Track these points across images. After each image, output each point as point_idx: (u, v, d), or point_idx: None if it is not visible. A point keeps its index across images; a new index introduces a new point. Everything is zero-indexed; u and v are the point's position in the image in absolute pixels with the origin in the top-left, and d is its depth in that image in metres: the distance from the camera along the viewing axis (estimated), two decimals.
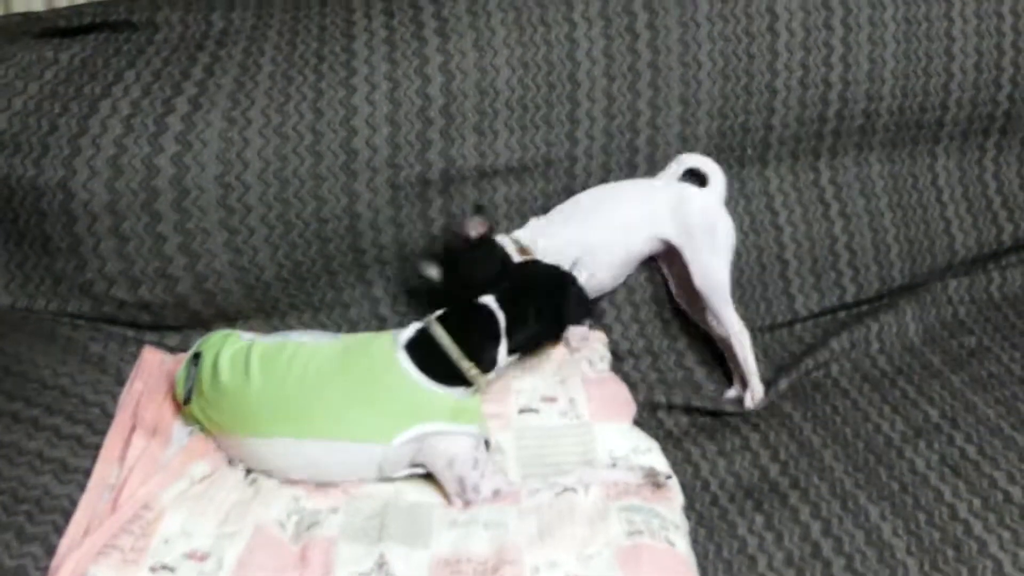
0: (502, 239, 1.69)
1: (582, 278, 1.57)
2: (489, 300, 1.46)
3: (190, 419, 1.46)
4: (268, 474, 1.39)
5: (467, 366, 1.39)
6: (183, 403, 1.46)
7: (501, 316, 1.44)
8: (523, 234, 1.72)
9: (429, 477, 1.42)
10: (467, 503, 1.37)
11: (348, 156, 1.66)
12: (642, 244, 1.77)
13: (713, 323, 1.80)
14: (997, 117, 2.04)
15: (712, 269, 1.73)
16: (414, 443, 1.36)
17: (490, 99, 1.73)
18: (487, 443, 1.42)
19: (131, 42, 1.71)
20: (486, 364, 1.42)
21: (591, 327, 1.76)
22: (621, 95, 1.82)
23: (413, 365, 1.37)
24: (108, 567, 1.15)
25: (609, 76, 1.81)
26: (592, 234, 1.72)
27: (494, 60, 1.73)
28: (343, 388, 1.36)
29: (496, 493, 1.37)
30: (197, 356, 1.47)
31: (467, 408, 1.40)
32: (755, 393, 1.73)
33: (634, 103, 1.83)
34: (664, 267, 1.86)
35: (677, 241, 1.75)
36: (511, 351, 1.45)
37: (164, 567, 1.17)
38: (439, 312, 1.46)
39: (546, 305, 1.48)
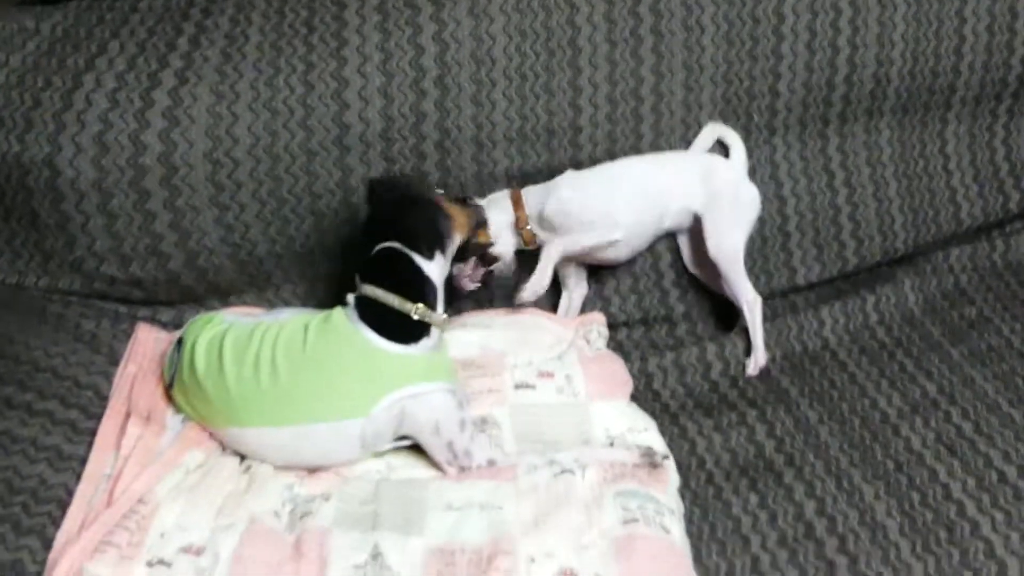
0: (498, 196, 1.69)
1: (578, 247, 1.61)
2: (382, 245, 1.43)
3: (174, 400, 1.46)
4: (254, 457, 1.39)
5: (411, 308, 1.37)
6: (167, 387, 1.45)
7: (397, 245, 1.41)
8: (532, 200, 1.69)
9: (417, 458, 1.42)
10: (461, 470, 1.37)
11: (341, 130, 1.63)
12: (672, 218, 1.75)
13: (727, 290, 1.79)
14: (1010, 82, 1.99)
15: (728, 239, 1.73)
16: (394, 413, 1.35)
17: (487, 68, 1.69)
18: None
19: (114, 10, 1.66)
20: (429, 297, 1.40)
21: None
22: (624, 61, 1.77)
23: (373, 332, 1.36)
24: (104, 564, 1.15)
25: (611, 41, 1.76)
26: (623, 205, 1.70)
27: (490, 28, 1.68)
28: (312, 371, 1.35)
29: (491, 463, 1.38)
30: (180, 342, 1.46)
31: (438, 364, 1.40)
32: (758, 361, 1.74)
33: (637, 69, 1.78)
34: (680, 235, 1.83)
35: (703, 211, 1.73)
36: (429, 256, 1.43)
37: (161, 562, 1.17)
38: (359, 275, 1.43)
39: (411, 204, 1.47)
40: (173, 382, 1.43)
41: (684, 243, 1.83)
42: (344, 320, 1.38)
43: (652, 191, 1.73)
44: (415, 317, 1.38)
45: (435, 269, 1.43)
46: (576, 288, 1.77)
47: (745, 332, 1.77)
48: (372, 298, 1.38)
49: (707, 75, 1.82)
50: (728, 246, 1.73)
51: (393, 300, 1.37)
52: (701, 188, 1.74)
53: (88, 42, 1.61)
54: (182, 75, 1.58)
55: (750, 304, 1.74)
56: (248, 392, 1.35)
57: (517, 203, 1.68)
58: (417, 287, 1.40)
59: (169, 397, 1.46)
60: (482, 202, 1.68)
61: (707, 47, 1.81)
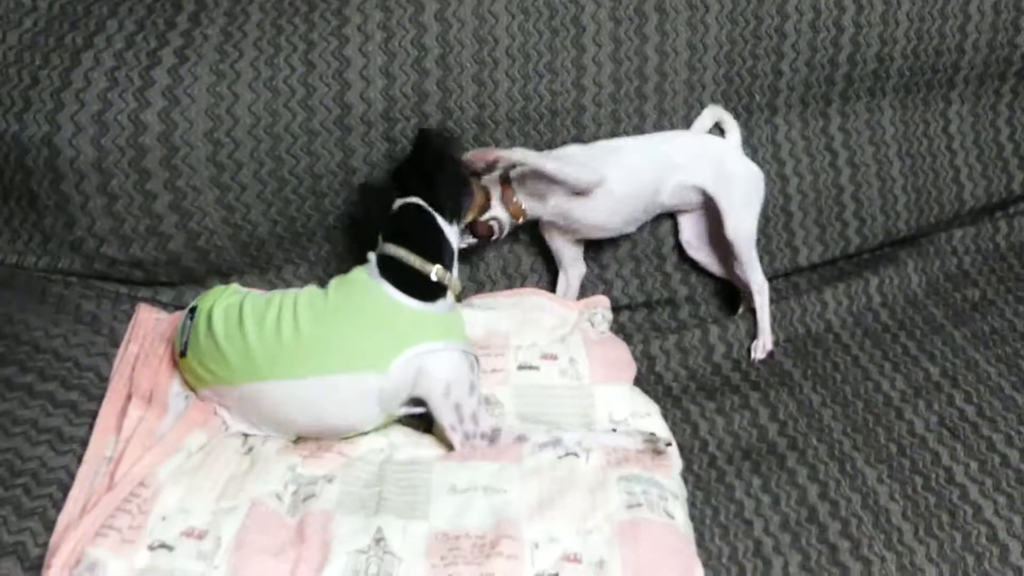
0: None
1: (562, 173, 1.60)
2: (405, 199, 1.47)
3: (188, 375, 1.45)
4: (268, 425, 1.39)
5: (431, 269, 1.41)
6: (180, 356, 1.44)
7: (422, 201, 1.46)
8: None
9: (422, 436, 1.43)
10: (466, 436, 1.37)
11: (342, 110, 1.61)
12: (672, 193, 1.73)
13: (738, 272, 1.78)
14: (1015, 60, 1.97)
15: (745, 221, 1.73)
16: (411, 370, 1.35)
17: (489, 47, 1.67)
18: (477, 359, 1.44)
19: None
20: (447, 260, 1.45)
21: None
22: (628, 39, 1.75)
23: (394, 288, 1.39)
24: (106, 547, 1.14)
25: (615, 19, 1.73)
26: (615, 168, 1.66)
27: (493, 6, 1.66)
28: (335, 324, 1.37)
29: (496, 431, 1.38)
30: (194, 309, 1.46)
31: (454, 324, 1.44)
32: (765, 345, 1.74)
33: (641, 48, 1.76)
34: (681, 217, 1.82)
35: (714, 191, 1.72)
36: (450, 221, 1.49)
37: (162, 545, 1.17)
38: (383, 233, 1.46)
39: (449, 166, 1.52)
40: (186, 350, 1.42)
41: (686, 226, 1.82)
42: (365, 276, 1.41)
43: (648, 159, 1.71)
44: (433, 278, 1.41)
45: (453, 235, 1.49)
46: (572, 267, 1.76)
47: (748, 315, 1.77)
48: (393, 257, 1.41)
49: (711, 55, 1.80)
50: (745, 229, 1.73)
51: (415, 260, 1.41)
52: (708, 167, 1.73)
53: (86, 19, 1.59)
54: (182, 54, 1.56)
55: (760, 287, 1.73)
56: (269, 345, 1.35)
57: (505, 180, 1.67)
58: (437, 249, 1.45)
59: (172, 375, 1.45)
60: None
61: (711, 26, 1.79)
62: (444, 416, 1.38)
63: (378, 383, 1.34)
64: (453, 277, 1.45)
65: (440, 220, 1.46)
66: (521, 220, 1.66)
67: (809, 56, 1.84)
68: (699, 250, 1.83)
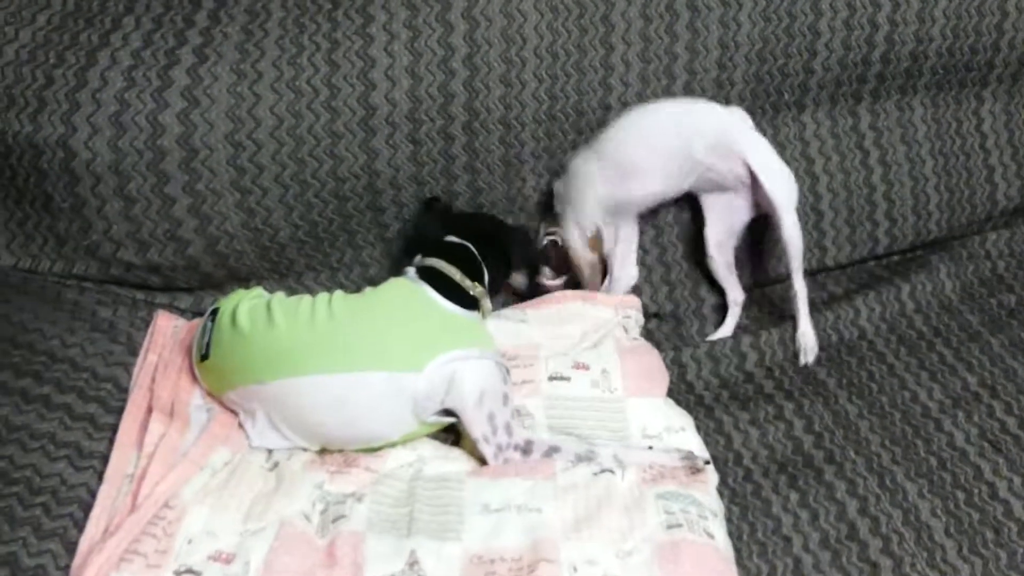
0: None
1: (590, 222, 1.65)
2: (463, 242, 1.53)
3: (210, 380, 1.40)
4: (296, 430, 1.34)
5: (470, 285, 1.45)
6: (201, 360, 1.39)
7: (471, 247, 1.53)
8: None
9: (451, 450, 1.39)
10: (499, 448, 1.33)
11: (366, 111, 1.56)
12: (706, 149, 1.66)
13: (733, 273, 1.76)
14: None
15: (796, 217, 1.68)
16: (445, 374, 1.33)
17: (517, 47, 1.62)
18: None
19: None
20: (483, 284, 1.49)
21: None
22: (658, 38, 1.71)
23: (436, 293, 1.41)
24: (131, 573, 1.10)
25: (646, 17, 1.69)
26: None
27: (521, 5, 1.62)
28: (372, 320, 1.36)
29: (528, 443, 1.35)
30: (215, 312, 1.41)
31: (487, 335, 1.45)
32: (808, 348, 1.69)
33: (671, 47, 1.72)
34: (707, 211, 1.77)
35: (755, 163, 1.67)
36: (493, 277, 1.54)
37: (189, 571, 1.13)
38: (423, 252, 1.51)
39: (500, 252, 1.57)
40: (208, 352, 1.37)
41: (711, 228, 1.77)
42: (404, 279, 1.44)
43: (676, 114, 1.69)
44: (472, 293, 1.45)
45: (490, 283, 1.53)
46: (623, 269, 1.72)
47: (781, 321, 1.72)
48: (435, 267, 1.45)
49: (742, 53, 1.76)
50: (799, 228, 1.68)
51: (455, 273, 1.45)
52: (742, 137, 1.69)
53: (102, 16, 1.54)
54: (201, 53, 1.51)
55: (802, 288, 1.68)
56: (303, 337, 1.33)
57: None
58: (478, 273, 1.49)
59: (193, 387, 1.40)
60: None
61: (743, 24, 1.74)
62: (477, 427, 1.34)
63: (412, 384, 1.31)
64: (487, 301, 1.49)
65: (484, 266, 1.52)
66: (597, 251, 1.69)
67: (842, 55, 1.80)
68: (722, 254, 1.78)
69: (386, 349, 1.33)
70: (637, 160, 1.64)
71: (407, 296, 1.41)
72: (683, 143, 1.66)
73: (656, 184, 1.68)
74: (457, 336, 1.37)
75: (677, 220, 1.81)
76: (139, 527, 1.15)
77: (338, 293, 1.40)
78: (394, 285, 1.43)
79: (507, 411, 1.36)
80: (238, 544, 1.17)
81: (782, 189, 1.68)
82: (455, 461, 1.37)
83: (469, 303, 1.45)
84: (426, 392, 1.33)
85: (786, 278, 1.84)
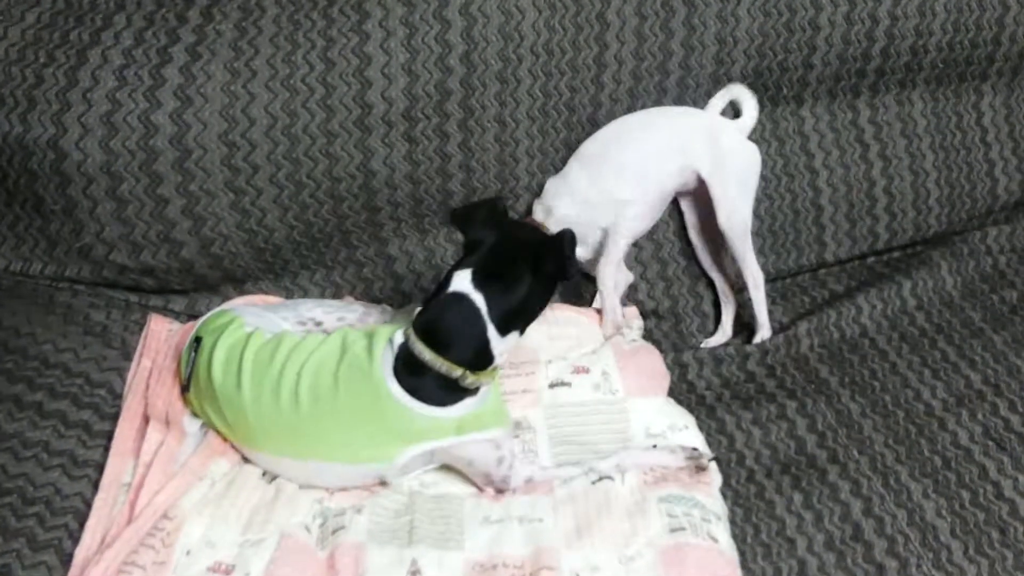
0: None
1: (617, 253, 1.57)
2: (463, 283, 1.26)
3: (193, 407, 1.36)
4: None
5: (459, 374, 1.23)
6: (183, 390, 1.36)
7: (480, 300, 1.25)
8: (539, 207, 1.64)
9: (451, 473, 1.34)
10: (499, 492, 1.31)
11: (362, 110, 1.54)
12: (674, 178, 1.67)
13: (726, 266, 1.74)
14: None
15: (739, 209, 1.66)
16: (423, 455, 1.27)
17: (514, 44, 1.60)
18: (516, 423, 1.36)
19: None
20: (480, 363, 1.26)
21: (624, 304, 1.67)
22: (653, 35, 1.69)
23: (406, 393, 1.23)
24: None
25: (641, 15, 1.68)
26: (620, 184, 1.62)
27: (519, 2, 1.59)
28: (337, 414, 1.24)
29: (529, 481, 1.31)
30: (198, 340, 1.36)
31: (480, 415, 1.27)
32: (764, 337, 1.69)
33: (667, 43, 1.70)
34: (686, 211, 1.77)
35: (707, 173, 1.66)
36: (503, 333, 1.27)
37: None
38: (416, 312, 1.28)
39: (523, 273, 1.28)
40: (189, 384, 1.34)
41: (690, 222, 1.77)
42: (377, 370, 1.23)
43: (646, 157, 1.65)
44: (463, 384, 1.24)
45: (501, 343, 1.28)
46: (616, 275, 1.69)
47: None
48: (416, 356, 1.23)
49: (740, 48, 1.74)
50: (740, 218, 1.66)
51: (442, 366, 1.22)
52: (704, 146, 1.67)
53: (92, 14, 1.51)
54: (194, 51, 1.49)
55: (756, 280, 1.68)
56: (266, 418, 1.26)
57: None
58: (476, 349, 1.25)
59: (185, 400, 1.37)
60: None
61: (742, 19, 1.72)
62: (473, 478, 1.31)
63: (384, 471, 1.27)
64: (487, 371, 1.27)
65: (490, 328, 1.25)
66: None
67: (842, 49, 1.79)
68: (702, 246, 1.78)
69: (351, 445, 1.25)
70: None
71: (373, 395, 1.23)
72: (669, 184, 1.67)
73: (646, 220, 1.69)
74: (430, 432, 1.24)
75: (671, 215, 1.79)
76: (137, 538, 1.13)
77: (311, 364, 1.26)
78: (363, 376, 1.24)
79: (503, 468, 1.28)
80: (237, 555, 1.15)
81: (735, 212, 1.66)
82: (456, 483, 1.33)
83: (458, 393, 1.24)
84: (404, 469, 1.28)
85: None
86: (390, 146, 1.57)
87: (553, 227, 1.59)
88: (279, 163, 1.52)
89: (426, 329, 1.24)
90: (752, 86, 1.77)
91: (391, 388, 1.22)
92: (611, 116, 1.71)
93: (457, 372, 1.23)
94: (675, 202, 1.77)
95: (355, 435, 1.24)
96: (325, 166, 1.55)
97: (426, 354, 1.22)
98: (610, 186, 1.63)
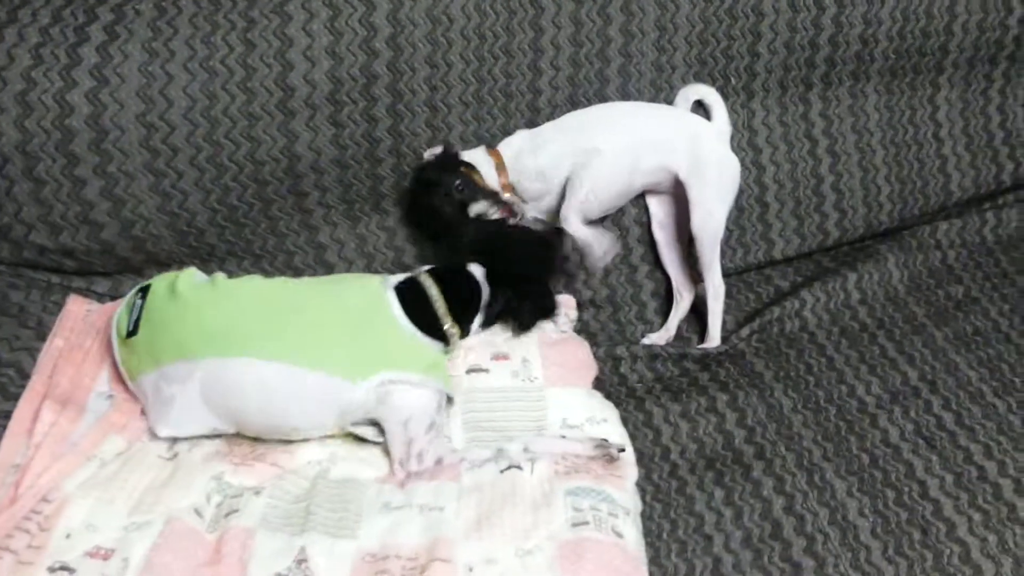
0: (478, 154, 1.60)
1: (580, 195, 1.57)
2: (477, 270, 1.47)
3: (132, 359, 1.32)
4: (216, 411, 1.28)
5: (448, 323, 1.40)
6: (126, 337, 1.33)
7: (485, 291, 1.47)
8: (508, 151, 1.61)
9: (364, 449, 1.34)
10: (407, 474, 1.29)
11: (284, 93, 1.51)
12: (649, 174, 1.66)
13: (686, 270, 1.71)
14: (1006, 44, 1.88)
15: (715, 215, 1.64)
16: (380, 393, 1.28)
17: (443, 28, 1.57)
18: (450, 399, 1.38)
19: None
20: (464, 328, 1.44)
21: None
22: (590, 20, 1.66)
23: (401, 310, 1.35)
24: None
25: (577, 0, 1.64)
26: (598, 152, 1.60)
27: None
28: (323, 315, 1.32)
29: (438, 462, 1.30)
30: (144, 290, 1.36)
31: (439, 364, 1.38)
32: (712, 345, 1.67)
33: (605, 29, 1.67)
34: (654, 206, 1.74)
35: (685, 175, 1.63)
36: (483, 324, 1.49)
37: (64, 568, 1.08)
38: (428, 267, 1.46)
39: (521, 291, 1.50)
40: (136, 328, 1.31)
41: (657, 219, 1.74)
42: (376, 285, 1.38)
43: (630, 141, 1.63)
44: (444, 328, 1.41)
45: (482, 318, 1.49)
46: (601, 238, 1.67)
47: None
48: (422, 287, 1.40)
49: (681, 35, 1.71)
50: (714, 224, 1.64)
51: (440, 306, 1.40)
52: (684, 150, 1.64)
53: None
54: (112, 30, 1.46)
55: (717, 291, 1.65)
56: (245, 318, 1.29)
57: (500, 168, 1.60)
58: (468, 317, 1.46)
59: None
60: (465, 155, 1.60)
61: (682, 5, 1.69)
62: (394, 447, 1.31)
63: (345, 392, 1.27)
64: (456, 335, 1.43)
65: (480, 315, 1.48)
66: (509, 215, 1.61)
67: (788, 37, 1.75)
68: (668, 245, 1.74)
69: (329, 352, 1.28)
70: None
71: (369, 304, 1.35)
72: (629, 173, 1.66)
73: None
74: (404, 359, 1.32)
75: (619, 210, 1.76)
76: (13, 522, 1.10)
77: (306, 278, 1.42)
78: (363, 287, 1.38)
79: (426, 439, 1.30)
80: (119, 539, 1.12)
81: (710, 217, 1.64)
82: (365, 464, 1.32)
83: (437, 333, 1.39)
84: (356, 403, 1.29)
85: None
86: (315, 130, 1.54)
87: (515, 176, 1.61)
88: (199, 145, 1.49)
89: (438, 277, 1.42)
90: (698, 75, 1.74)
91: (389, 300, 1.36)
92: (551, 103, 1.68)
93: (448, 321, 1.40)
94: (639, 198, 1.74)
95: (335, 341, 1.29)
96: (247, 149, 1.52)
97: (434, 291, 1.40)
98: (583, 144, 1.61)
